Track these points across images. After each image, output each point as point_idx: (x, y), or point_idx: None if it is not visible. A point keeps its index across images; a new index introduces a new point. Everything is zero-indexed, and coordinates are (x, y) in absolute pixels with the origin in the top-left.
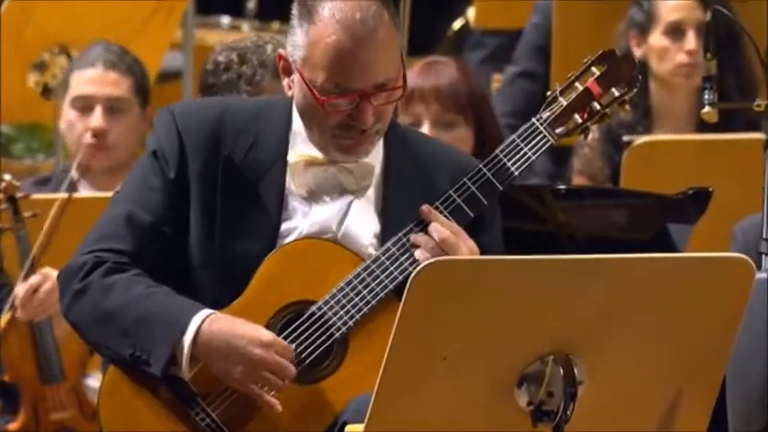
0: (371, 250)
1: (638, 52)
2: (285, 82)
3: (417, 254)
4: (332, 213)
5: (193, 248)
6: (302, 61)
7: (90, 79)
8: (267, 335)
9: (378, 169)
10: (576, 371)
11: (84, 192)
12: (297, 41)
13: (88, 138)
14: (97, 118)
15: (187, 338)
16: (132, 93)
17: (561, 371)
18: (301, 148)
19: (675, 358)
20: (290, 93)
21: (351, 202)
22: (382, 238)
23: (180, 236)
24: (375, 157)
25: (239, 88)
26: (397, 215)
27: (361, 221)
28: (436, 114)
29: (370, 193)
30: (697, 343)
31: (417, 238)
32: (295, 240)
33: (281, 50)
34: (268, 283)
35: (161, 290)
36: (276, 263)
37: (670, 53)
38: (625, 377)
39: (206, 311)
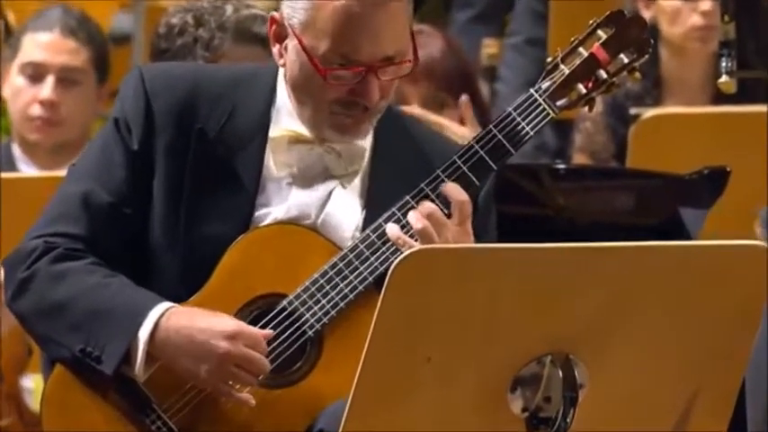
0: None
1: (646, 14)
2: (276, 49)
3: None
4: (312, 199)
5: (155, 230)
6: (302, 27)
7: (44, 44)
8: (232, 325)
9: (366, 154)
10: (576, 373)
11: (29, 171)
12: (296, 4)
13: (36, 110)
14: (48, 89)
15: (143, 334)
16: (90, 64)
17: (560, 373)
18: (286, 122)
19: (689, 357)
20: (280, 62)
21: (334, 189)
22: (365, 229)
23: (142, 216)
24: (366, 139)
25: (195, 54)
26: (384, 207)
27: (344, 211)
28: (426, 94)
29: (357, 181)
30: (713, 340)
31: (388, 229)
32: (264, 226)
33: (274, 13)
34: (233, 273)
35: (117, 280)
36: (243, 251)
37: (683, 15)
38: (632, 379)
39: (165, 304)
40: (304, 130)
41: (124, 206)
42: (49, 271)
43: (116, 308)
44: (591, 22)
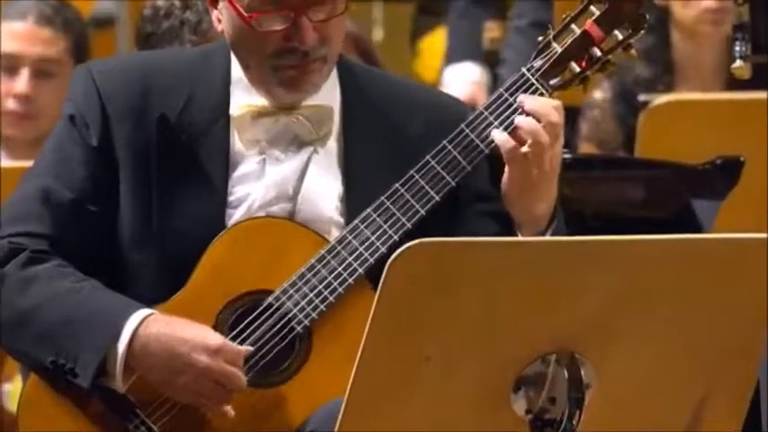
0: (337, 216)
1: None
2: (214, 16)
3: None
4: (288, 173)
5: (125, 229)
6: None
7: (18, 34)
8: (215, 339)
9: (336, 115)
10: (582, 372)
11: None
12: None
13: (11, 104)
14: (23, 82)
15: (121, 345)
16: (67, 54)
17: (565, 372)
18: (244, 98)
19: (700, 355)
20: (219, 28)
21: (309, 158)
22: (347, 198)
23: (107, 215)
24: (332, 98)
25: (182, 38)
26: (363, 170)
27: (323, 181)
28: None
29: (331, 143)
30: (724, 336)
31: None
32: (247, 219)
33: None
34: (216, 270)
35: (89, 284)
36: (225, 247)
37: None
38: (640, 379)
39: (143, 312)
40: (264, 101)
41: (86, 203)
42: (18, 276)
43: (89, 316)
44: None
